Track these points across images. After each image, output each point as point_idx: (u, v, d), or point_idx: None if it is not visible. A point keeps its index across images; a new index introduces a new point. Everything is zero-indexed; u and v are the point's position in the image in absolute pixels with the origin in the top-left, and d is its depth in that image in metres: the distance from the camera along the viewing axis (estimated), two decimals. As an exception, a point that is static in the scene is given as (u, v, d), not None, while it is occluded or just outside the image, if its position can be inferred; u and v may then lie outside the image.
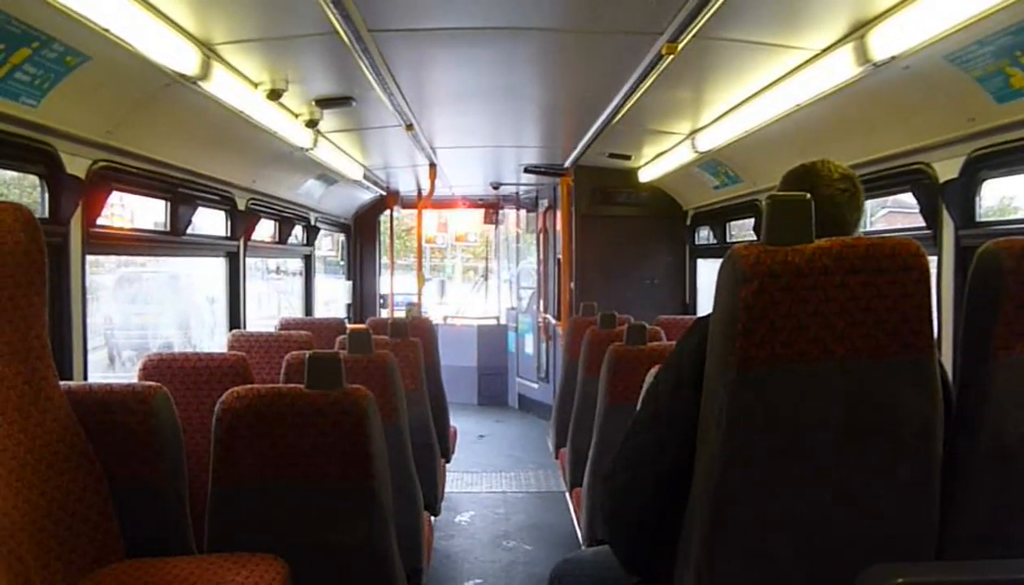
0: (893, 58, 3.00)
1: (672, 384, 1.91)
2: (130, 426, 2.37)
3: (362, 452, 2.46)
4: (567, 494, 5.41)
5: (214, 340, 6.46)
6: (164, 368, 3.38)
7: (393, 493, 2.74)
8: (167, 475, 2.43)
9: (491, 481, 7.43)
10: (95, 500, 2.28)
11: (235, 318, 5.43)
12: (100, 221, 3.58)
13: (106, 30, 2.68)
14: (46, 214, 3.23)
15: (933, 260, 3.38)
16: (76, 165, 3.30)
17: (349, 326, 4.43)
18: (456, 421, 6.78)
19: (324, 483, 2.47)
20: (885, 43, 2.97)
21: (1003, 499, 1.72)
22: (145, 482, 2.40)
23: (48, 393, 2.19)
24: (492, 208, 11.34)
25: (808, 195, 1.64)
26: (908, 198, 3.70)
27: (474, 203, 11.14)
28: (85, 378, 3.44)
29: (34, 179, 3.22)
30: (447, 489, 6.19)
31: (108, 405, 2.36)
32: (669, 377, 1.94)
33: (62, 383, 2.30)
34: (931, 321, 1.64)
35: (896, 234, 3.99)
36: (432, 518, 4.75)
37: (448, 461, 6.01)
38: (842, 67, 3.27)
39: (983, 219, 3.29)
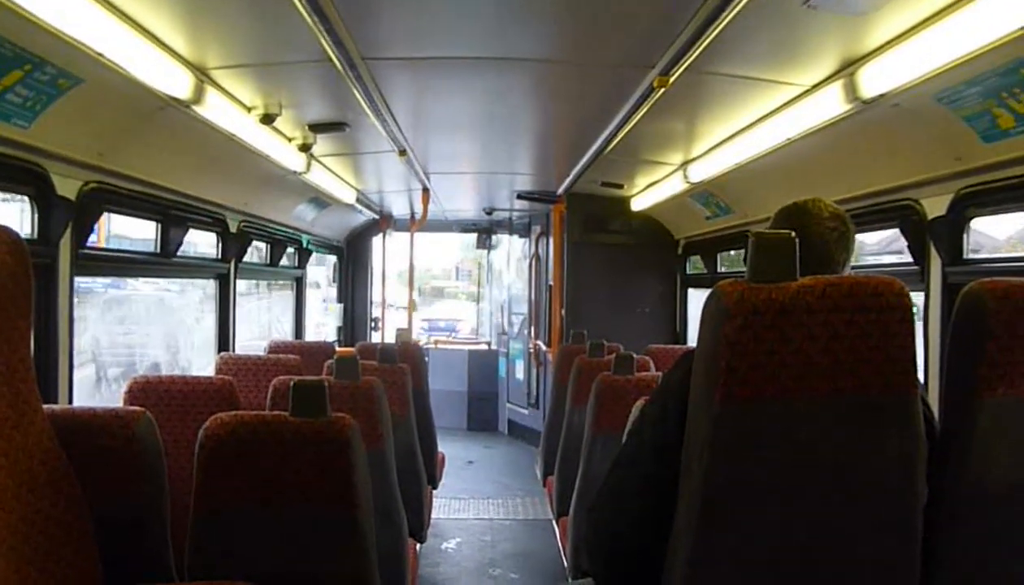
0: (882, 96, 3.02)
1: (657, 418, 1.91)
2: (113, 451, 2.35)
3: (345, 481, 2.45)
4: (554, 523, 5.39)
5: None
6: (150, 391, 3.37)
7: (377, 520, 2.73)
8: (149, 501, 2.41)
9: (478, 508, 7.40)
10: (75, 525, 2.25)
11: (224, 341, 5.41)
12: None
13: (100, 54, 2.68)
14: (35, 235, 3.23)
15: (921, 297, 3.40)
16: (67, 186, 3.30)
17: (337, 350, 4.42)
18: (445, 446, 6.76)
19: (306, 511, 2.46)
20: (875, 81, 3.00)
21: (986, 541, 1.72)
22: (126, 507, 2.38)
23: (31, 417, 2.18)
24: (484, 233, 11.36)
25: (792, 233, 1.65)
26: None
27: (467, 228, 11.17)
28: (70, 402, 3.42)
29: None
30: (434, 515, 6.17)
31: (91, 429, 2.34)
32: (654, 411, 1.94)
33: (45, 407, 2.28)
34: (914, 360, 1.64)
35: (883, 271, 4.01)
36: (418, 545, 4.72)
37: (435, 487, 5.99)
38: (832, 103, 3.29)
39: (970, 257, 3.31)
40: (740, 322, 1.58)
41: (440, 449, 6.33)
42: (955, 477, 1.70)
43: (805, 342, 1.59)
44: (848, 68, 3.12)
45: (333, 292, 9.76)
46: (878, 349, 1.60)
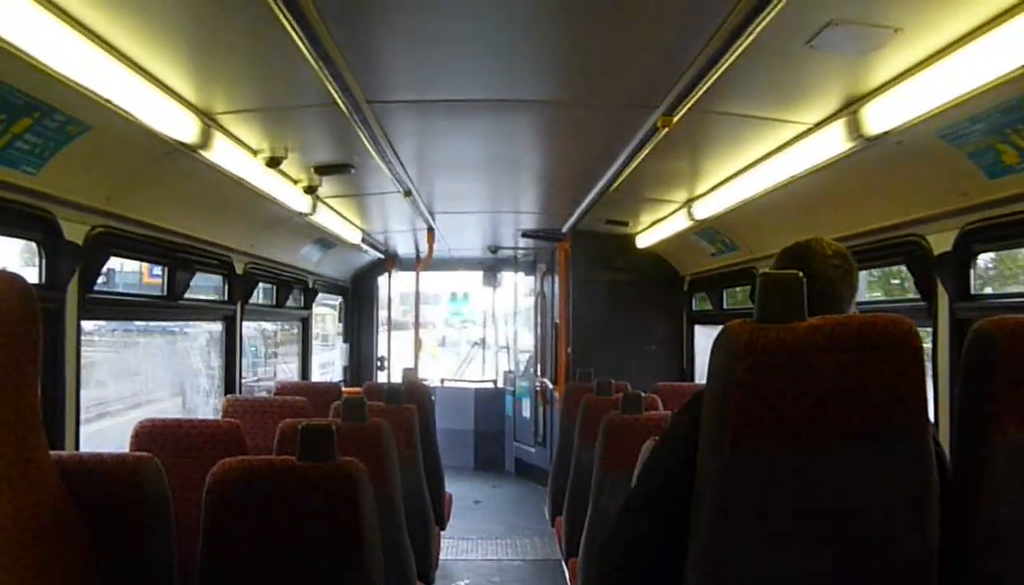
0: (886, 133, 3.03)
1: (667, 461, 1.89)
2: (120, 497, 2.33)
3: (353, 525, 2.44)
4: (563, 563, 5.33)
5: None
6: (156, 435, 3.35)
7: (384, 563, 2.71)
8: (156, 547, 2.39)
9: (487, 548, 7.33)
10: (82, 572, 2.24)
11: (231, 383, 5.39)
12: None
13: (108, 101, 2.71)
14: (43, 280, 3.24)
15: (929, 332, 3.39)
16: (74, 231, 3.32)
17: (344, 391, 4.41)
18: (452, 486, 6.71)
19: (314, 555, 2.44)
20: (878, 119, 3.01)
21: (1000, 580, 1.69)
22: (134, 554, 2.35)
23: (38, 463, 2.16)
24: (490, 271, 11.36)
25: (800, 273, 1.64)
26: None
27: (472, 266, 11.18)
28: (77, 447, 3.40)
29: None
30: (442, 556, 6.11)
31: (98, 476, 2.33)
32: (664, 453, 1.92)
33: (53, 453, 2.28)
34: (925, 399, 1.63)
35: (889, 308, 3.99)
36: None
37: (443, 528, 5.94)
38: (836, 141, 3.30)
39: (977, 292, 3.30)
40: (749, 363, 1.57)
41: (447, 489, 6.29)
42: (968, 517, 1.68)
43: (815, 382, 1.58)
44: (851, 106, 3.13)
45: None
46: (888, 388, 1.59)
